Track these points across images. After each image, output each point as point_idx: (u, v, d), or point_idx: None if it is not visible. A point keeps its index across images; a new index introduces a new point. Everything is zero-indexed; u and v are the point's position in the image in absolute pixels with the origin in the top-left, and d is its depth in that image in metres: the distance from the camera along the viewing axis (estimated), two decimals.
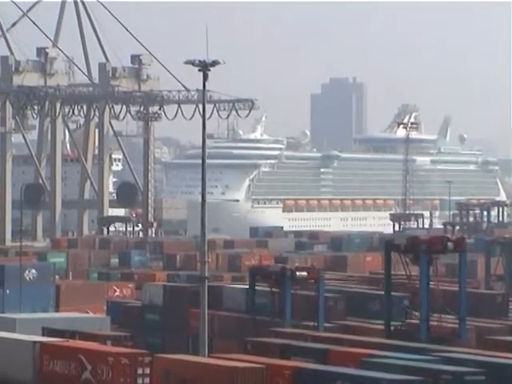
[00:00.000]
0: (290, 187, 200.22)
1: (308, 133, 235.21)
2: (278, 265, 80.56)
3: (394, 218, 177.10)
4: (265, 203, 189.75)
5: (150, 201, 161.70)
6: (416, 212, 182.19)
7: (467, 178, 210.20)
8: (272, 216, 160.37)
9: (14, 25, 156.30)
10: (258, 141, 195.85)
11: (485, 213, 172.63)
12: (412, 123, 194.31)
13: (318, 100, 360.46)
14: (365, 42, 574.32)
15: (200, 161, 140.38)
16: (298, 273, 69.60)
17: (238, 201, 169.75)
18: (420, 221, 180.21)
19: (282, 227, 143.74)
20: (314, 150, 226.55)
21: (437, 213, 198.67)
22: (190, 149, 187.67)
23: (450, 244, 63.36)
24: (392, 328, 61.52)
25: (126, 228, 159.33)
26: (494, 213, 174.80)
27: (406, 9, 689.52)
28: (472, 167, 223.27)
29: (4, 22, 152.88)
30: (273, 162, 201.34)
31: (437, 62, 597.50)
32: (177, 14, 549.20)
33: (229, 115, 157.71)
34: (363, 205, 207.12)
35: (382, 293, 70.69)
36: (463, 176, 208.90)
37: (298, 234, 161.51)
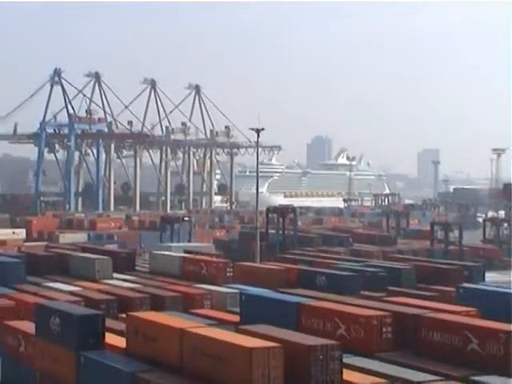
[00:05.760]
0: (287, 186, 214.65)
1: (296, 161, 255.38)
2: (175, 214, 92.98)
3: (344, 200, 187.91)
4: (275, 194, 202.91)
5: (233, 192, 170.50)
6: (354, 198, 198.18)
7: (370, 182, 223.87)
8: (278, 200, 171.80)
9: (171, 112, 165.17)
10: (272, 164, 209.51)
11: (387, 198, 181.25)
12: (352, 157, 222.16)
13: (310, 148, 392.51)
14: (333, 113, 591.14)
15: (245, 174, 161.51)
16: (184, 218, 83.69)
17: (262, 192, 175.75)
18: (357, 202, 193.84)
19: (292, 204, 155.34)
20: (299, 169, 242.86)
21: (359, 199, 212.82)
22: (250, 168, 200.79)
23: (290, 210, 76.26)
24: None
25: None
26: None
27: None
28: (372, 177, 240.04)
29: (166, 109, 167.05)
30: (279, 174, 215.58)
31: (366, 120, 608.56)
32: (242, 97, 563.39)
33: (269, 152, 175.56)
34: (322, 194, 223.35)
35: (336, 234, 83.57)
36: (368, 181, 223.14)
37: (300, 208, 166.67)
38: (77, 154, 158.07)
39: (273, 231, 74.26)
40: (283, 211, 75.08)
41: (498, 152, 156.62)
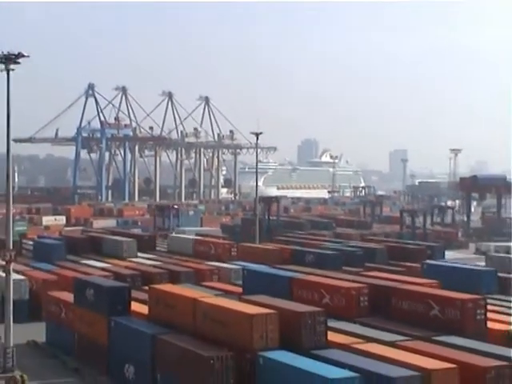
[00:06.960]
0: (279, 180, 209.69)
1: (287, 159, 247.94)
2: (170, 204, 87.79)
3: (329, 192, 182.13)
4: (270, 186, 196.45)
5: (236, 185, 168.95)
6: (337, 190, 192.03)
7: (349, 176, 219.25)
8: (273, 192, 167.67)
9: (185, 119, 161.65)
10: (267, 162, 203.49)
11: (363, 190, 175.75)
12: (334, 156, 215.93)
13: (300, 148, 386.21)
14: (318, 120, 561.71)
15: (245, 170, 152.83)
16: (174, 206, 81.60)
17: (259, 186, 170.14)
18: (339, 193, 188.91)
19: (286, 195, 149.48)
20: (290, 165, 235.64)
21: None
22: (249, 166, 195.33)
23: (274, 200, 75.48)
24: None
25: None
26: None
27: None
28: (350, 172, 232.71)
29: (181, 117, 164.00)
30: (273, 170, 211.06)
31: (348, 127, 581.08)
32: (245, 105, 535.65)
33: (266, 152, 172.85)
34: (309, 187, 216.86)
35: (322, 220, 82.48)
36: (347, 176, 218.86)
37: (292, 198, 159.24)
38: (107, 154, 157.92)
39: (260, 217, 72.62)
40: (268, 201, 75.30)
41: (455, 152, 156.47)
